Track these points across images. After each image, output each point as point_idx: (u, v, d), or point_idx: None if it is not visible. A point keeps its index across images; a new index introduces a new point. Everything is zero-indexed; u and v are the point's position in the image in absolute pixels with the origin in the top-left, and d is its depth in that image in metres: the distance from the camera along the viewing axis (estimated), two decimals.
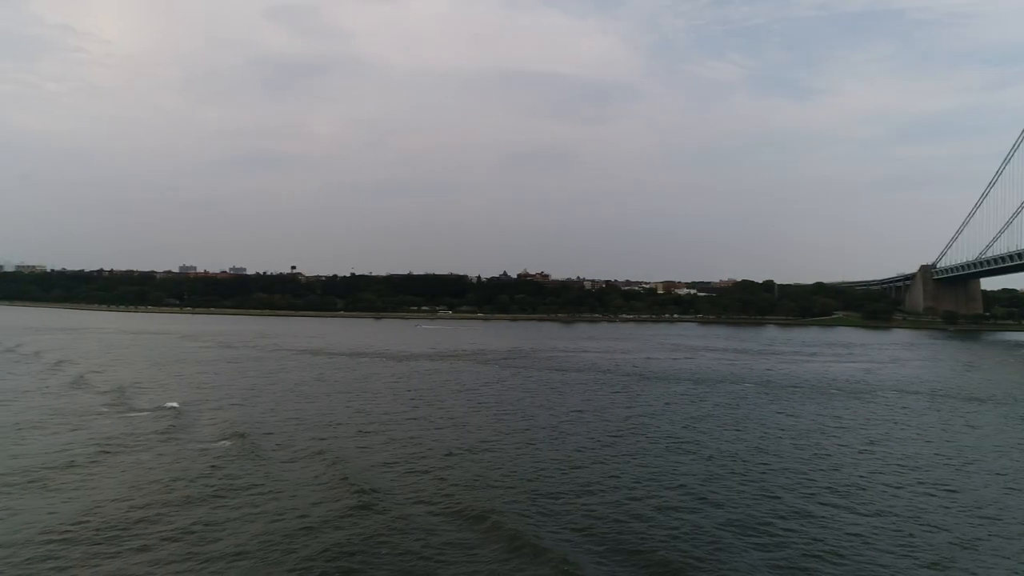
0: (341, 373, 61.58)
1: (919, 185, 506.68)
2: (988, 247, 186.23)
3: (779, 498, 24.21)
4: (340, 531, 19.73)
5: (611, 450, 31.55)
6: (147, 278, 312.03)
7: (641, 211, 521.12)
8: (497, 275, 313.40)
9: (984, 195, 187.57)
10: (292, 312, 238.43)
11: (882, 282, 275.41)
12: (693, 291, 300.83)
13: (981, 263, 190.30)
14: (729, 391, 53.56)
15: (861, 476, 27.64)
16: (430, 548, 18.78)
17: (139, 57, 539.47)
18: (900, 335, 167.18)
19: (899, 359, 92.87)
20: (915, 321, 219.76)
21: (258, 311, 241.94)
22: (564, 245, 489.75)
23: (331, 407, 41.86)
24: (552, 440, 33.62)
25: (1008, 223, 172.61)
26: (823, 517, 22.19)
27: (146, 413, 37.65)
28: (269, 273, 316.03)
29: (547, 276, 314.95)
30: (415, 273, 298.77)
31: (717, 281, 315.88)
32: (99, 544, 18.53)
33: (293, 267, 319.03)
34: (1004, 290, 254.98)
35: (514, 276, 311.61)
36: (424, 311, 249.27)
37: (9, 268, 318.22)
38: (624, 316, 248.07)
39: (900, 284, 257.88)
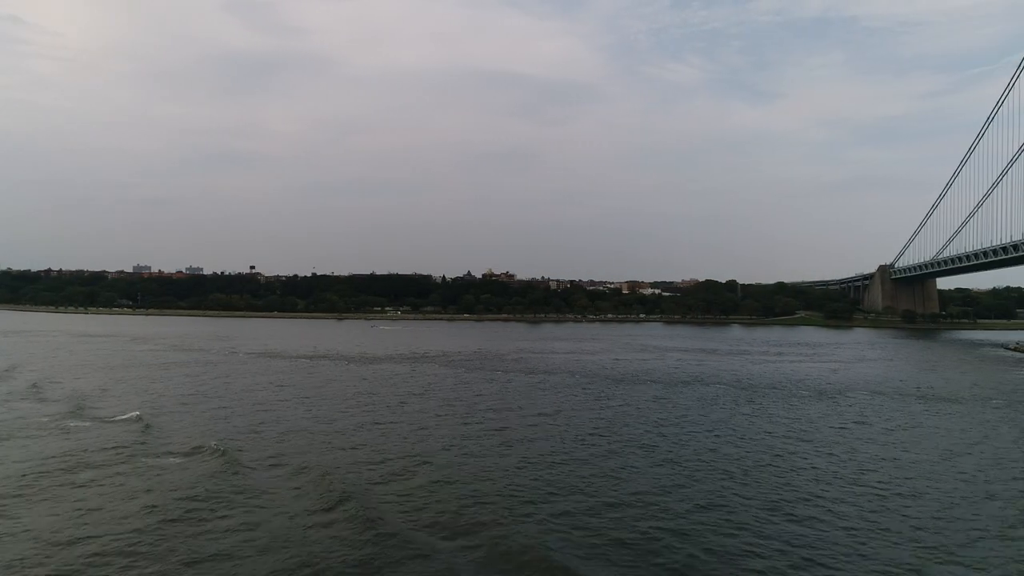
0: (300, 377, 58.78)
1: (875, 187, 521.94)
2: (944, 247, 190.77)
3: (755, 499, 23.59)
4: (311, 542, 19.12)
5: (584, 452, 30.75)
6: (98, 278, 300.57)
7: (605, 211, 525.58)
8: (462, 275, 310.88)
9: (941, 197, 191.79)
10: (251, 313, 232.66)
11: (841, 282, 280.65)
12: (657, 291, 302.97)
13: (937, 263, 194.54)
14: (700, 393, 52.20)
15: (837, 477, 26.88)
16: (403, 553, 18.17)
17: (94, 51, 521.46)
18: (862, 334, 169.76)
19: (864, 358, 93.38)
20: (875, 320, 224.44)
21: (215, 312, 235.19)
22: (529, 245, 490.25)
23: (293, 414, 39.57)
24: (524, 443, 32.58)
25: (963, 224, 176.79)
26: (806, 518, 21.46)
27: (110, 424, 35.44)
28: (227, 273, 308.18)
29: (512, 276, 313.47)
30: (378, 273, 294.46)
31: (680, 281, 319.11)
32: (71, 565, 17.35)
33: (252, 267, 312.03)
34: (958, 290, 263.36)
35: (479, 276, 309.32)
36: (387, 312, 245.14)
37: None
38: (591, 316, 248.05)
39: (859, 284, 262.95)
